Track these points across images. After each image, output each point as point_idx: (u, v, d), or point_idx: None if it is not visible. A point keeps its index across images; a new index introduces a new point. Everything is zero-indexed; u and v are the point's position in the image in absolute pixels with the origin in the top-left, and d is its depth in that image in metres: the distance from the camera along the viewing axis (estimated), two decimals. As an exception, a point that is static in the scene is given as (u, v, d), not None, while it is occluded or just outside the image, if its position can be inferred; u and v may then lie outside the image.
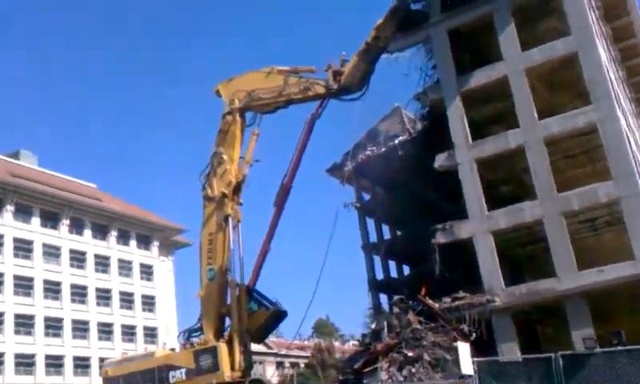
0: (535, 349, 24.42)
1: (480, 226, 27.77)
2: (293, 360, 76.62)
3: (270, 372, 67.02)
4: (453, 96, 29.30)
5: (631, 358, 14.35)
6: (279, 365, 75.55)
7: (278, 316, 25.07)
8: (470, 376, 14.68)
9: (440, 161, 29.12)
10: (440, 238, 28.57)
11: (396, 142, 32.73)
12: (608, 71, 28.18)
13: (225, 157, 24.09)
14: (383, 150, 33.16)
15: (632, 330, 22.50)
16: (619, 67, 36.73)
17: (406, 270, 42.06)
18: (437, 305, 27.69)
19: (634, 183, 25.60)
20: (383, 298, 39.52)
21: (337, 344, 77.21)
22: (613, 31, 35.27)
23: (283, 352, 73.53)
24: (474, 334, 26.52)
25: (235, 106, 24.19)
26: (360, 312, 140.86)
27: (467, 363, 14.68)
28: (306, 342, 76.41)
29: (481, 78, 29.09)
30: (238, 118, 24.26)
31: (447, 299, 27.96)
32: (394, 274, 41.10)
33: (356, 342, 75.28)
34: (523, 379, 14.17)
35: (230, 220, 23.99)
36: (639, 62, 39.17)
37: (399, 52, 30.16)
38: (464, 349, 14.77)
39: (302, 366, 71.21)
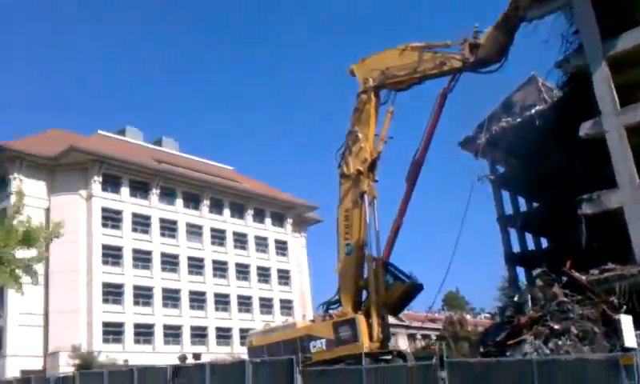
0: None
1: (631, 195, 26.02)
2: (424, 332, 76.28)
3: (402, 344, 67.26)
4: (598, 61, 27.57)
5: None
6: (411, 337, 75.52)
7: (414, 289, 25.12)
8: (633, 349, 13.88)
9: (585, 129, 27.56)
10: (587, 209, 27.12)
11: (533, 111, 31.52)
12: None
13: (360, 135, 24.41)
14: (519, 120, 32.03)
15: None
16: None
17: (544, 242, 40.55)
18: (584, 277, 26.43)
19: None
20: (519, 270, 38.46)
21: (467, 317, 75.78)
22: None
23: (414, 324, 73.43)
24: (624, 307, 25.10)
25: (369, 84, 24.36)
26: (490, 285, 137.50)
27: (630, 336, 13.91)
28: (436, 315, 75.70)
29: (628, 41, 27.13)
30: (372, 96, 24.45)
31: (595, 271, 26.59)
32: (530, 246, 39.81)
33: (487, 315, 73.66)
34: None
35: (366, 196, 24.30)
36: None
37: (538, 20, 28.73)
38: (627, 321, 13.99)
39: (434, 338, 70.66)
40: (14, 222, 19.06)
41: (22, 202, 19.85)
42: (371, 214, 24.52)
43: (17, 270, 19.08)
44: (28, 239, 19.03)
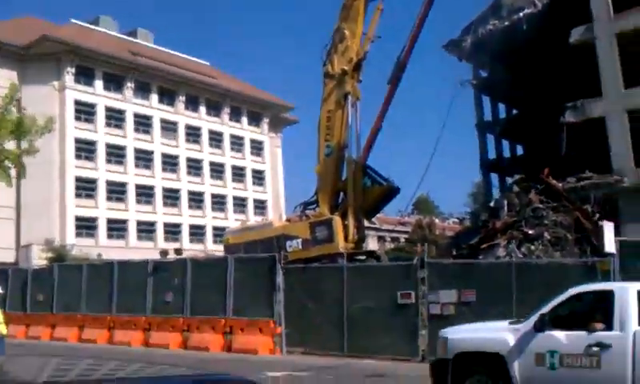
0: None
1: (615, 104, 26.21)
2: (393, 235, 77.72)
3: (372, 246, 68.59)
4: None
5: None
6: (380, 239, 76.91)
7: (391, 192, 25.41)
8: (612, 254, 14.29)
9: (576, 35, 27.27)
10: (569, 117, 27.32)
11: (521, 15, 30.92)
12: None
13: (347, 32, 23.81)
14: (506, 24, 31.47)
15: None
16: None
17: (519, 151, 40.91)
18: (560, 184, 26.84)
19: None
20: (493, 178, 38.97)
21: (436, 221, 77.21)
22: None
23: (385, 227, 74.68)
24: (598, 215, 25.70)
25: None
26: (460, 191, 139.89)
27: (611, 242, 14.26)
28: (406, 218, 76.98)
29: None
30: None
31: (572, 179, 27.05)
32: (506, 154, 40.17)
33: (456, 220, 75.24)
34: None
35: (349, 97, 23.98)
36: None
37: None
38: (609, 228, 14.31)
39: (403, 241, 72.09)
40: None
41: (16, 94, 18.82)
42: (353, 116, 24.35)
43: (6, 162, 18.39)
44: (19, 130, 18.22)
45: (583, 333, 8.88)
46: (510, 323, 10.11)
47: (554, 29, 28.56)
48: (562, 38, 27.56)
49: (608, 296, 9.15)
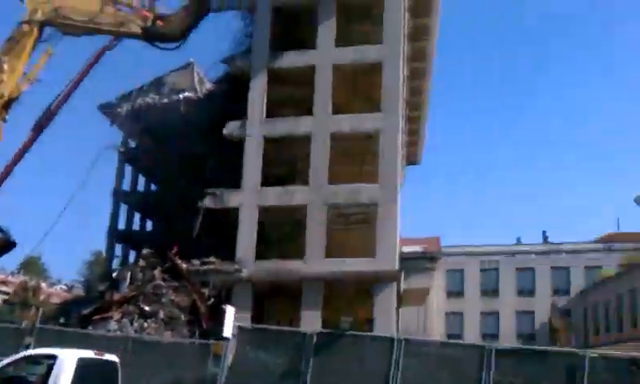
0: (260, 321, 25.40)
1: (250, 198, 28.31)
2: (-9, 294, 69.70)
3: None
4: (261, 69, 29.61)
5: (374, 342, 15.79)
6: (-27, 296, 68.38)
7: (6, 245, 22.89)
8: (228, 339, 14.87)
9: (230, 129, 29.15)
10: (208, 203, 28.56)
11: (181, 97, 31.92)
12: (402, 86, 30.20)
13: (6, 66, 21.20)
14: (165, 101, 32.15)
15: (359, 319, 24.62)
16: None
17: (149, 226, 41.08)
18: (185, 266, 27.55)
19: (394, 191, 28.04)
20: (117, 249, 38.21)
21: (43, 285, 72.15)
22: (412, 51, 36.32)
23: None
24: (212, 299, 26.94)
25: (37, 17, 21.31)
26: (76, 257, 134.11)
27: (229, 327, 14.87)
28: (9, 278, 70.22)
29: (292, 60, 29.70)
30: (35, 31, 21.47)
31: (197, 262, 28.05)
32: (136, 227, 39.92)
33: (64, 287, 71.35)
34: (277, 348, 14.69)
35: (-11, 137, 21.33)
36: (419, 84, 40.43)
37: (219, 12, 29.23)
38: (230, 313, 14.93)
39: (1, 302, 65.55)
40: None
41: None
42: (-12, 158, 21.61)
43: None
44: None
45: None
46: None
47: (210, 117, 30.10)
48: (218, 127, 29.15)
49: (52, 360, 10.04)
